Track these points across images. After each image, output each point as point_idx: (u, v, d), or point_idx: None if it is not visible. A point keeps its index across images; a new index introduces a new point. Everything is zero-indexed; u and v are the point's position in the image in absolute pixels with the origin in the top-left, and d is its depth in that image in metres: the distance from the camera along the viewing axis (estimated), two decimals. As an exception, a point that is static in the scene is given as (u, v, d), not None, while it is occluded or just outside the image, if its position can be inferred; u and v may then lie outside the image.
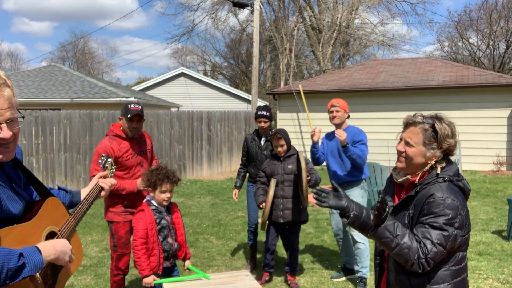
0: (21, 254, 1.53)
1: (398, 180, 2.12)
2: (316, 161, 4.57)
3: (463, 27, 27.54)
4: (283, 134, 4.36)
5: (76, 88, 15.83)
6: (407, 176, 2.08)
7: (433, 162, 2.00)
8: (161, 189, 3.24)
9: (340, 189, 1.99)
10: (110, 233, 3.84)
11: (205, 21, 35.29)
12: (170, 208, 3.41)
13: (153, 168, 3.34)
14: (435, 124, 2.00)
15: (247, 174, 5.24)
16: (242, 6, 14.75)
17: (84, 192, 2.20)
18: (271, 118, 4.94)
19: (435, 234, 1.85)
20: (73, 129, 10.18)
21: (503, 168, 12.23)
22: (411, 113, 2.15)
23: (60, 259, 1.73)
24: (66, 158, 10.10)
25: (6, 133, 1.61)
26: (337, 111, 4.48)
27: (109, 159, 2.54)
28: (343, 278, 4.70)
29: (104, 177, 2.32)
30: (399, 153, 2.07)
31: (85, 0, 66.41)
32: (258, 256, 5.46)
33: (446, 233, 1.85)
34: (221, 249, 5.84)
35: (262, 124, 4.87)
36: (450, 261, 1.93)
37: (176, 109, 20.08)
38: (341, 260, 5.25)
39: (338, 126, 4.53)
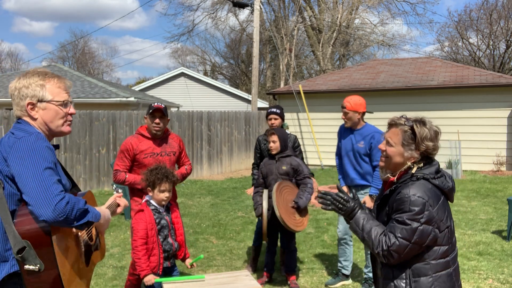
0: (85, 202, 1.91)
1: (382, 178, 2.27)
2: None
3: (463, 27, 27.55)
4: (277, 131, 4.33)
5: (76, 88, 15.83)
6: (388, 175, 2.22)
7: (409, 163, 2.12)
8: (160, 189, 3.24)
9: (343, 191, 2.22)
10: (131, 228, 3.86)
11: (205, 21, 35.29)
12: (169, 207, 3.41)
13: (152, 167, 3.34)
14: (415, 126, 2.10)
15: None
16: (242, 6, 14.75)
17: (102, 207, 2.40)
18: (282, 116, 4.87)
19: (398, 229, 2.01)
20: (73, 129, 10.17)
21: (503, 168, 12.23)
22: (398, 114, 2.28)
23: (104, 226, 2.18)
24: (66, 158, 10.10)
25: (73, 109, 2.12)
26: (345, 114, 4.25)
27: (120, 190, 2.70)
28: (339, 284, 4.58)
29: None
30: (381, 151, 2.22)
31: (86, 0, 66.45)
32: (261, 259, 5.45)
33: (409, 227, 1.98)
34: (221, 249, 5.84)
35: (273, 121, 4.81)
36: (429, 255, 2.04)
37: (176, 109, 20.07)
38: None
39: (352, 127, 4.34)
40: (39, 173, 1.81)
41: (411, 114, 2.31)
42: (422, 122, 2.14)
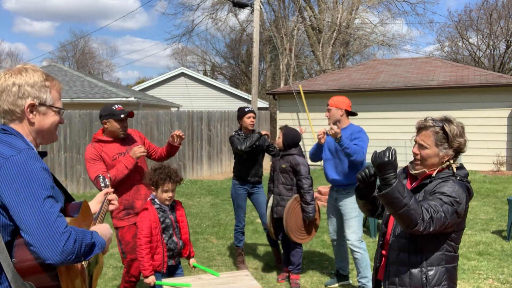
0: (91, 233, 1.69)
1: (414, 172, 2.31)
2: (314, 157, 4.50)
3: (463, 27, 27.52)
4: (285, 130, 4.47)
5: (76, 88, 15.83)
6: (424, 169, 2.27)
7: (450, 161, 2.23)
8: (163, 189, 3.25)
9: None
10: (117, 240, 3.73)
11: (205, 21, 35.26)
12: (174, 206, 3.41)
13: (155, 167, 3.33)
14: (445, 126, 2.20)
15: (233, 173, 5.10)
16: (242, 6, 14.73)
17: (92, 206, 2.22)
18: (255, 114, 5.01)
19: (444, 204, 2.09)
20: (73, 129, 10.18)
21: (503, 168, 12.23)
22: (423, 117, 2.34)
23: (108, 244, 1.87)
24: (66, 158, 10.10)
25: (63, 118, 1.88)
26: (328, 111, 4.33)
27: (106, 180, 2.53)
28: (337, 285, 4.59)
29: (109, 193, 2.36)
30: (415, 155, 2.29)
31: (86, 0, 66.43)
32: (257, 257, 5.46)
33: (451, 208, 2.09)
34: (221, 249, 5.84)
35: (252, 119, 4.87)
36: (443, 247, 2.19)
37: (176, 109, 20.06)
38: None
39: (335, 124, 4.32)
40: (39, 206, 1.56)
41: (412, 115, 2.37)
42: (449, 120, 2.23)
